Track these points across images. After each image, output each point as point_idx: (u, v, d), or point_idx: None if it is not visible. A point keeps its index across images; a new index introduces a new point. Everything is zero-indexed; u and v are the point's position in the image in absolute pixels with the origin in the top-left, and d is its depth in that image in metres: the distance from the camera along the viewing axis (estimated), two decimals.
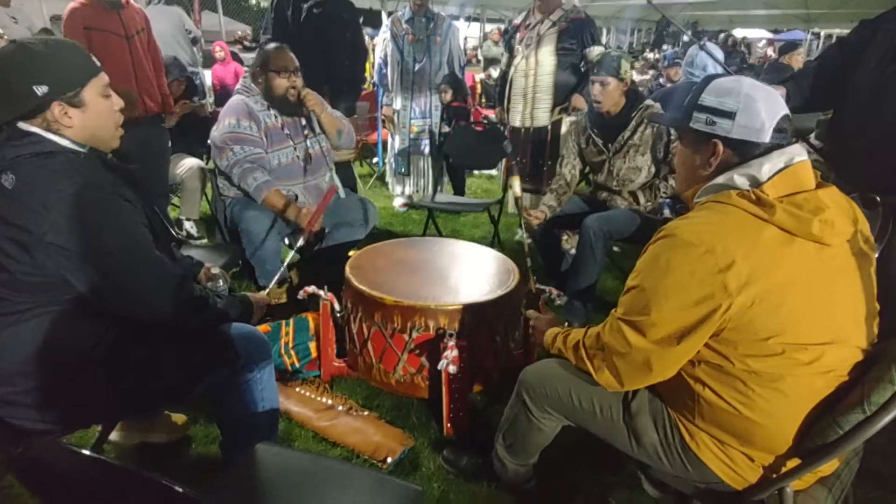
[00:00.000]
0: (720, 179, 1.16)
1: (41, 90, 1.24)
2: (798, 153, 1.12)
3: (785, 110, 1.14)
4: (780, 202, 1.06)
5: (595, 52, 3.41)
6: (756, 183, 1.11)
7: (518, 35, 3.63)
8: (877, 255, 1.87)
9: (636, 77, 7.31)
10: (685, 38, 10.82)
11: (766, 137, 1.12)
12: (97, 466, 0.88)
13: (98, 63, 1.35)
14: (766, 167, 1.10)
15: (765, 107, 1.12)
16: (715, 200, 1.13)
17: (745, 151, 1.14)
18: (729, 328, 1.07)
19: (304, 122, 2.69)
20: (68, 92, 1.27)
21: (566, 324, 2.54)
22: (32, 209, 1.18)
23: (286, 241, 2.69)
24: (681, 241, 1.08)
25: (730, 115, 1.13)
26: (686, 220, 1.13)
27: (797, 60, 5.44)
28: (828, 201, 1.08)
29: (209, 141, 2.63)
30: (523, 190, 3.86)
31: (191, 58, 5.55)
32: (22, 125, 1.26)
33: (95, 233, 1.23)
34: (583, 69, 3.48)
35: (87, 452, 0.86)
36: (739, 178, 1.13)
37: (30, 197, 1.19)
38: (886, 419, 1.02)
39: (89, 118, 1.31)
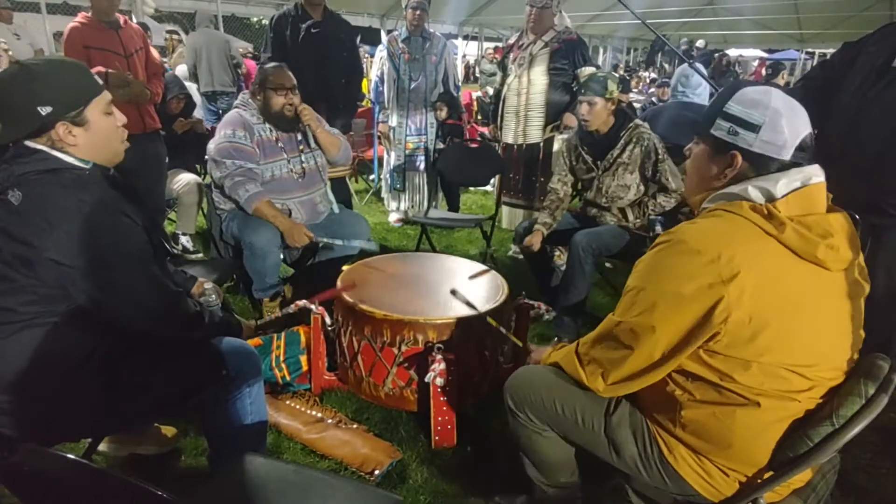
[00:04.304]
0: (734, 189, 1.13)
1: (45, 110, 1.26)
2: (816, 174, 1.10)
3: (809, 129, 1.11)
4: (791, 221, 1.04)
5: (586, 72, 3.47)
6: (770, 198, 1.08)
7: (511, 55, 3.70)
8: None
9: (634, 97, 7.39)
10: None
11: (788, 155, 1.09)
12: (83, 472, 0.90)
13: (101, 81, 1.40)
14: (782, 182, 1.08)
15: (789, 124, 1.09)
16: (725, 209, 1.11)
17: (763, 165, 1.11)
18: (720, 340, 1.06)
19: (299, 137, 2.75)
20: (71, 112, 1.30)
21: (555, 339, 2.57)
22: (37, 225, 1.22)
23: (281, 255, 2.72)
24: (686, 247, 1.07)
25: (754, 128, 1.09)
26: (693, 226, 1.11)
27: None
28: (836, 227, 1.08)
29: (206, 154, 2.67)
30: (515, 205, 3.95)
31: (232, 80, 5.60)
32: (28, 143, 1.30)
33: (96, 248, 1.27)
34: (574, 89, 3.54)
35: (71, 457, 0.88)
36: (754, 191, 1.10)
37: (35, 213, 1.23)
38: (854, 431, 1.04)
39: (93, 136, 1.35)
